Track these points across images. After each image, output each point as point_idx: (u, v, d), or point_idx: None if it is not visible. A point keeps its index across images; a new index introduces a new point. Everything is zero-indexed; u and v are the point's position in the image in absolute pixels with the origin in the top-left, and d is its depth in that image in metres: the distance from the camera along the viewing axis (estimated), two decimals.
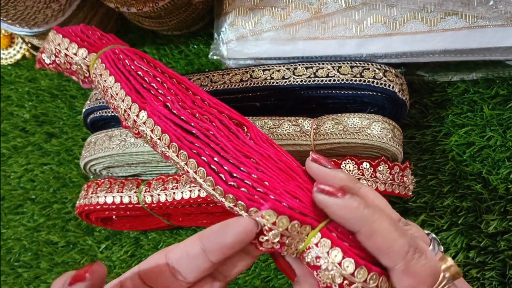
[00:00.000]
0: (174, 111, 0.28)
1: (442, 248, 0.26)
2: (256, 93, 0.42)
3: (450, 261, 0.23)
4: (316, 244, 0.23)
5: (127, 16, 0.54)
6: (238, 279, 0.44)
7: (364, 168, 0.36)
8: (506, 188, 0.39)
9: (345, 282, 0.22)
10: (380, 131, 0.36)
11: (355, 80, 0.38)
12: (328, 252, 0.22)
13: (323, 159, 0.25)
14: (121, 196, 0.42)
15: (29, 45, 0.62)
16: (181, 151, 0.26)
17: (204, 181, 0.25)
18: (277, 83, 0.40)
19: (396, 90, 0.38)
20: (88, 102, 0.47)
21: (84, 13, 0.51)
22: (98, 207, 0.42)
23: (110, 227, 0.48)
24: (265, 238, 0.23)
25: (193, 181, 0.27)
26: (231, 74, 0.43)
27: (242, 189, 0.24)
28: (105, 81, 0.31)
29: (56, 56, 0.34)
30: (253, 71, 0.42)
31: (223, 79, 0.42)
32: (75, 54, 0.33)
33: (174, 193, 0.40)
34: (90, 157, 0.43)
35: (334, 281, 0.22)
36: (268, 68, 0.41)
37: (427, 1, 0.38)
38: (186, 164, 0.26)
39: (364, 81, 0.38)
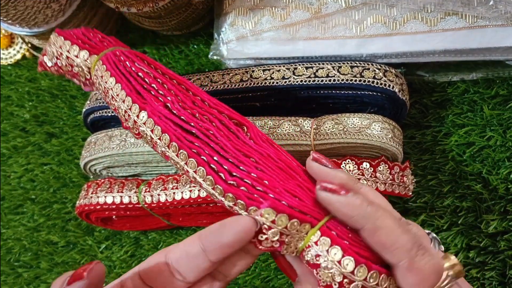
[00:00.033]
0: (174, 111, 0.28)
1: (442, 247, 0.26)
2: (256, 93, 0.42)
3: (454, 260, 0.23)
4: (316, 243, 0.23)
5: (127, 16, 0.54)
6: (238, 279, 0.44)
7: (364, 168, 0.36)
8: (506, 188, 0.39)
9: (345, 280, 0.22)
10: (380, 131, 0.36)
11: (355, 80, 0.38)
12: (327, 250, 0.22)
13: (324, 159, 0.26)
14: (121, 196, 0.42)
15: (29, 45, 0.62)
16: (181, 150, 0.26)
17: (203, 180, 0.26)
18: (277, 83, 0.40)
19: (396, 90, 0.38)
20: (88, 102, 0.47)
21: (84, 13, 0.51)
22: (98, 207, 0.42)
23: (110, 227, 0.48)
24: (265, 236, 0.23)
25: (193, 181, 0.27)
26: (231, 74, 0.43)
27: (242, 188, 0.24)
28: (106, 82, 0.31)
29: (57, 59, 0.34)
30: (253, 71, 0.42)
31: (223, 79, 0.43)
32: (76, 56, 0.33)
33: (174, 193, 0.40)
34: (90, 157, 0.43)
35: (334, 280, 0.22)
36: (268, 68, 0.41)
37: (427, 1, 0.38)
38: (186, 163, 0.26)
39: (364, 81, 0.38)
